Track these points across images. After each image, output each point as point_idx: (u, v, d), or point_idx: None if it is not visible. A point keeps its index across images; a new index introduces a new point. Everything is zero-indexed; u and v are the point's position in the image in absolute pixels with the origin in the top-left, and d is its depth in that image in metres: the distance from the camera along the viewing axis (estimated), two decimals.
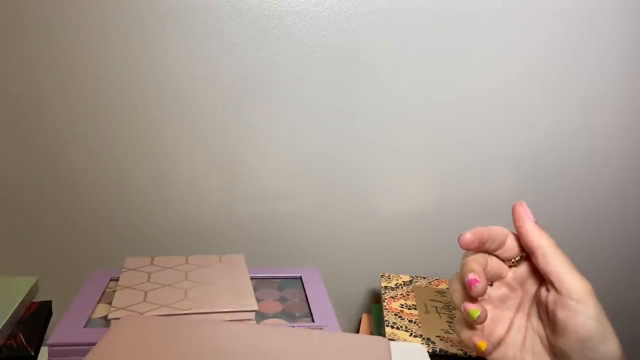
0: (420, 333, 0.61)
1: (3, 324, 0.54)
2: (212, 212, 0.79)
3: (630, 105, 0.81)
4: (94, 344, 0.46)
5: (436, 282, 0.75)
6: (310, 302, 0.65)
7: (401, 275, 0.76)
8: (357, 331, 0.81)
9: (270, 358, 0.44)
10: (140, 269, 0.65)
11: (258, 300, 0.66)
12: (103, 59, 0.71)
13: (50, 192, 0.75)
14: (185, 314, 0.55)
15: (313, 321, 0.62)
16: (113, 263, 0.78)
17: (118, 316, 0.54)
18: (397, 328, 0.61)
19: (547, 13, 0.76)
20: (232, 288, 0.61)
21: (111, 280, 0.67)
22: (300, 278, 0.73)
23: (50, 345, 0.52)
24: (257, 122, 0.76)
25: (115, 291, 0.60)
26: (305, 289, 0.69)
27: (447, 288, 0.73)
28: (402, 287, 0.72)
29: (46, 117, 0.73)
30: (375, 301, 0.85)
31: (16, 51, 0.70)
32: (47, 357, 0.53)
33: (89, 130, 0.74)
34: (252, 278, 0.72)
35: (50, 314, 0.63)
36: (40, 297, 0.65)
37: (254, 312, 0.58)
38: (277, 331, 0.49)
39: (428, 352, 0.57)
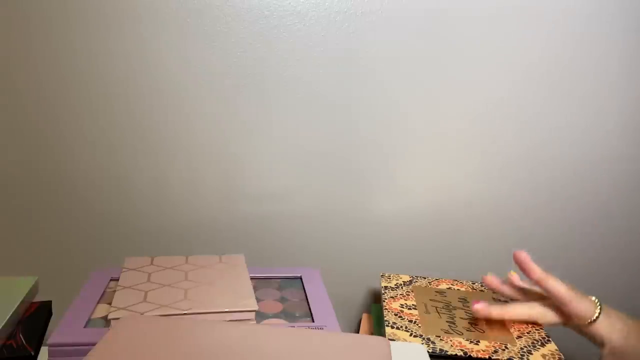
0: (420, 333, 0.61)
1: (3, 324, 0.54)
2: (212, 212, 0.79)
3: (632, 106, 0.81)
4: (94, 344, 0.46)
5: (436, 282, 0.75)
6: (310, 302, 0.66)
7: (401, 275, 0.76)
8: (357, 331, 0.81)
9: (270, 358, 0.44)
10: (140, 269, 0.65)
11: (258, 300, 0.66)
12: (102, 58, 0.71)
13: (50, 192, 0.75)
14: (185, 314, 0.55)
15: (313, 321, 0.62)
16: (113, 263, 0.78)
17: (118, 316, 0.54)
18: (397, 328, 0.61)
19: (547, 14, 0.76)
20: (232, 288, 0.61)
21: (111, 280, 0.67)
22: (300, 278, 0.73)
23: (50, 345, 0.52)
24: (257, 123, 0.76)
25: (115, 291, 0.60)
26: (305, 289, 0.69)
27: (447, 288, 0.73)
28: (402, 287, 0.72)
29: (46, 118, 0.73)
30: (375, 301, 0.85)
31: (17, 51, 0.70)
32: (47, 357, 0.53)
33: (88, 131, 0.74)
34: (252, 278, 0.72)
35: (50, 314, 0.63)
36: (40, 297, 0.65)
37: (254, 312, 0.58)
38: (277, 331, 0.49)
39: (428, 352, 0.57)
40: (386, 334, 0.60)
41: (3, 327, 0.54)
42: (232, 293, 0.60)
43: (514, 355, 0.58)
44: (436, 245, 0.85)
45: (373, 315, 0.74)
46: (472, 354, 0.57)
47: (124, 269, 0.65)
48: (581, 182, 0.84)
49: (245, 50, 0.73)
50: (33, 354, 0.54)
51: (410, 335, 0.60)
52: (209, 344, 0.46)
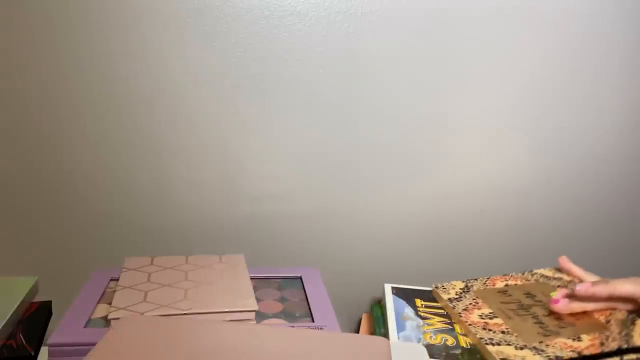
0: (524, 343, 0.59)
1: (3, 324, 0.54)
2: (212, 212, 0.79)
3: (631, 105, 0.81)
4: (94, 344, 0.46)
5: (490, 282, 0.73)
6: (310, 302, 0.66)
7: (454, 283, 0.74)
8: (357, 331, 0.81)
9: (270, 358, 0.44)
10: (140, 269, 0.65)
11: (258, 300, 0.66)
12: (103, 58, 0.71)
13: (50, 192, 0.75)
14: (185, 314, 0.56)
15: (313, 321, 0.62)
16: (113, 263, 0.78)
17: (118, 316, 0.54)
18: (498, 344, 0.59)
19: (547, 14, 0.76)
20: (232, 288, 0.61)
21: (111, 280, 0.67)
22: (300, 278, 0.73)
23: (50, 345, 0.52)
24: (258, 123, 0.76)
25: (115, 291, 0.60)
26: (305, 289, 0.69)
27: (504, 285, 0.72)
28: (465, 296, 0.70)
29: (46, 118, 0.73)
30: (375, 301, 0.85)
31: (18, 51, 0.70)
32: (47, 357, 0.53)
33: (88, 131, 0.74)
34: (252, 278, 0.72)
35: (50, 314, 0.63)
36: (40, 297, 0.65)
37: (254, 312, 0.58)
38: (277, 331, 0.49)
39: None
40: (494, 353, 0.58)
41: (3, 327, 0.54)
42: (232, 293, 0.60)
43: (620, 343, 0.56)
44: (435, 245, 0.85)
45: (373, 315, 0.74)
46: (584, 353, 0.56)
47: (124, 269, 0.65)
48: (585, 183, 0.84)
49: (245, 50, 0.73)
50: (33, 354, 0.54)
51: (516, 348, 0.58)
52: (209, 344, 0.46)
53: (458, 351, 0.60)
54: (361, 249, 0.84)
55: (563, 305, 0.64)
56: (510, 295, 0.69)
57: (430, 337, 0.63)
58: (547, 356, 0.56)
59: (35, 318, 0.60)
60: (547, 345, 0.58)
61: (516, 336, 0.60)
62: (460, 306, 0.68)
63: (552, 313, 0.64)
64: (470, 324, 0.64)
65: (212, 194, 0.78)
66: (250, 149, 0.77)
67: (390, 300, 0.71)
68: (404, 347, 0.55)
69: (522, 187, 0.84)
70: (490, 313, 0.66)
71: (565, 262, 0.70)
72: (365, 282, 0.85)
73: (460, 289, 0.72)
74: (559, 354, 0.56)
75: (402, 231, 0.83)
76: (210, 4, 0.71)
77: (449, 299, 0.70)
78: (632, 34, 0.78)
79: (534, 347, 0.58)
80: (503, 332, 0.61)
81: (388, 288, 0.74)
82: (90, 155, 0.75)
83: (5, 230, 0.76)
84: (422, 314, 0.68)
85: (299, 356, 0.45)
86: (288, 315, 0.63)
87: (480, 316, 0.65)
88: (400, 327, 0.65)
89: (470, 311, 0.67)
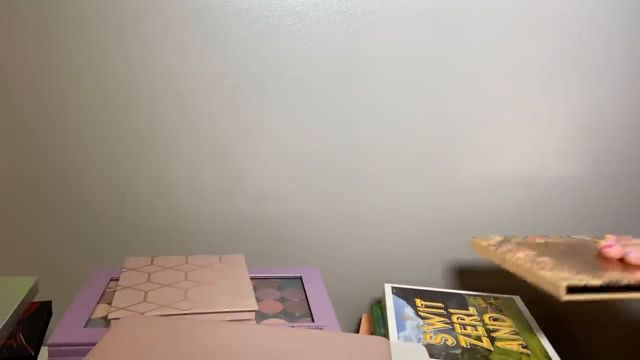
0: (578, 271, 0.56)
1: (3, 324, 0.54)
2: (212, 212, 0.79)
3: (631, 106, 0.82)
4: (94, 344, 0.46)
5: (530, 238, 0.72)
6: (310, 302, 0.66)
7: (491, 236, 0.71)
8: (357, 331, 0.81)
9: (270, 358, 0.44)
10: (140, 269, 0.65)
11: (258, 300, 0.66)
12: (102, 59, 0.71)
13: (50, 193, 0.75)
14: (185, 314, 0.56)
15: (313, 321, 0.62)
16: (113, 263, 0.78)
17: (118, 316, 0.54)
18: (552, 269, 0.56)
19: (547, 13, 0.76)
20: (232, 288, 0.61)
21: (111, 280, 0.67)
22: (300, 278, 0.73)
23: (50, 345, 0.52)
24: (257, 123, 0.76)
25: (115, 291, 0.60)
26: (305, 289, 0.69)
27: (544, 242, 0.69)
28: (506, 244, 0.67)
29: (45, 117, 0.73)
30: (375, 301, 0.85)
31: (15, 52, 0.70)
32: (47, 357, 0.53)
33: (88, 131, 0.74)
34: (252, 278, 0.72)
35: (50, 314, 0.63)
36: (40, 297, 0.65)
37: (254, 312, 0.58)
38: (277, 331, 0.49)
39: (602, 285, 0.52)
40: (549, 278, 0.54)
41: (3, 327, 0.54)
42: (232, 293, 0.60)
43: None
44: (435, 244, 0.85)
45: (373, 315, 0.74)
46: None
47: (124, 269, 0.65)
48: (585, 183, 0.84)
49: (245, 50, 0.73)
50: (33, 354, 0.54)
51: (571, 273, 0.55)
52: (209, 344, 0.46)
53: (458, 351, 0.61)
54: (361, 249, 0.84)
55: (617, 250, 0.59)
56: (554, 247, 0.67)
57: (430, 337, 0.63)
58: (605, 280, 0.53)
59: (35, 318, 0.60)
60: (601, 275, 0.55)
61: (569, 268, 0.57)
62: (504, 248, 0.65)
63: (599, 258, 0.60)
64: (517, 258, 0.60)
65: (212, 194, 0.78)
66: (250, 149, 0.77)
67: (390, 300, 0.71)
68: (404, 347, 0.55)
69: (523, 188, 0.84)
70: (537, 254, 0.62)
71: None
72: (365, 282, 0.85)
73: (499, 240, 0.70)
74: (615, 279, 0.53)
75: (402, 231, 0.83)
76: (210, 4, 0.71)
77: (491, 244, 0.67)
78: (633, 34, 0.78)
79: (590, 274, 0.55)
80: (553, 267, 0.58)
81: (388, 288, 0.74)
82: (90, 155, 0.75)
83: (5, 230, 0.76)
84: (422, 314, 0.68)
85: (299, 356, 0.45)
86: (288, 315, 0.63)
87: (527, 255, 0.62)
88: (400, 327, 0.65)
89: (514, 252, 0.63)
